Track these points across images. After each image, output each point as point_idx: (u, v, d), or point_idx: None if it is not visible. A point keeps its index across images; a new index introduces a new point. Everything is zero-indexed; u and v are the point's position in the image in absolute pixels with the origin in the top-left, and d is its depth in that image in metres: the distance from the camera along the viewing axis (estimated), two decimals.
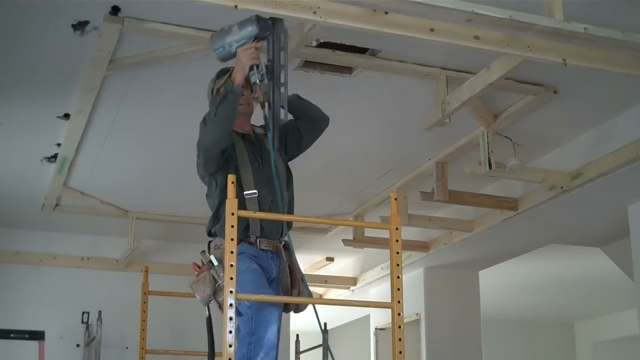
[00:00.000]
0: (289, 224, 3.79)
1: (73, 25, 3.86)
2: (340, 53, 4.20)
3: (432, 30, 3.34)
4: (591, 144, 5.28)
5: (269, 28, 3.44)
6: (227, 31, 3.46)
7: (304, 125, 3.85)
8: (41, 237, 7.26)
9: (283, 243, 3.73)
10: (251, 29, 3.41)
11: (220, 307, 3.55)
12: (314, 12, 3.17)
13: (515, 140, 5.24)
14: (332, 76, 4.52)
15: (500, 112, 4.95)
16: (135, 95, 4.67)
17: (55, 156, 5.52)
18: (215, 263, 3.56)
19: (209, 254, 3.63)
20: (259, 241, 3.61)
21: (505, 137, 5.20)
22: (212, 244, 3.68)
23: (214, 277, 3.57)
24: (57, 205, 6.52)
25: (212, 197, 3.70)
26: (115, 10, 3.74)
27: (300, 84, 4.54)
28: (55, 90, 4.58)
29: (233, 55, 3.48)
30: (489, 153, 4.97)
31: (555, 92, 4.67)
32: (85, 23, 3.85)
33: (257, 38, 3.43)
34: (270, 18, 3.42)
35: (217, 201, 3.65)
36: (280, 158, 3.78)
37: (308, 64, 4.37)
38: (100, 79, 4.32)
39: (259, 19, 3.40)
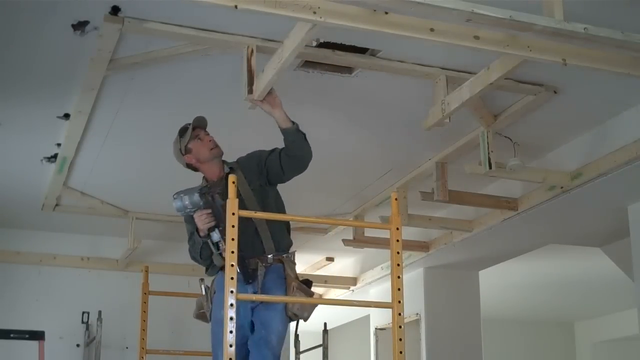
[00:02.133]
0: (269, 249, 3.93)
1: (73, 25, 3.85)
2: (340, 53, 4.20)
3: (432, 30, 3.34)
4: (591, 144, 5.28)
5: (208, 201, 3.87)
6: (181, 198, 3.91)
7: (287, 162, 3.99)
8: (41, 237, 7.26)
9: (276, 258, 3.89)
10: (196, 198, 3.87)
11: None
12: (314, 12, 3.16)
13: (515, 140, 5.24)
14: (332, 76, 4.51)
15: (500, 112, 4.95)
16: (135, 95, 4.67)
17: (55, 156, 5.52)
18: (203, 293, 4.03)
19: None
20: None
21: (505, 137, 5.21)
22: None
23: (202, 303, 4.06)
24: (57, 205, 6.51)
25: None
26: (115, 10, 3.73)
27: (300, 84, 4.55)
28: (55, 90, 4.58)
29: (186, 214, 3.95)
30: (489, 153, 4.97)
31: (555, 92, 4.67)
32: (85, 23, 3.84)
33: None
34: (209, 192, 3.89)
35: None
36: (248, 189, 3.96)
37: (308, 64, 4.36)
38: (100, 79, 4.31)
39: (200, 191, 3.88)
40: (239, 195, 3.66)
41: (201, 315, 4.06)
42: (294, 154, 3.97)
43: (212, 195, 3.88)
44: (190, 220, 3.97)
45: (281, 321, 3.86)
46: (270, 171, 4.00)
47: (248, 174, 3.99)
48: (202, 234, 3.89)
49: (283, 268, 3.90)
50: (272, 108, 3.96)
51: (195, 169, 4.08)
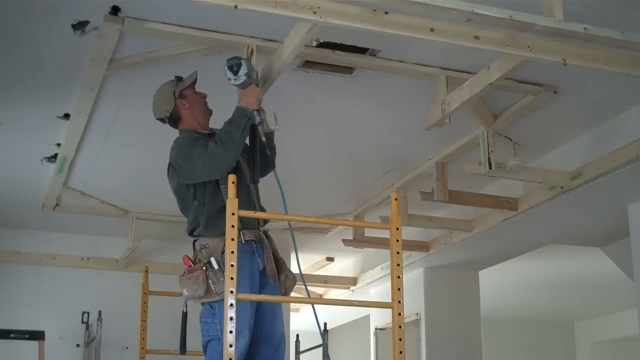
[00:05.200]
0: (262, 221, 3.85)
1: (73, 25, 3.86)
2: (340, 53, 4.20)
3: (432, 30, 3.34)
4: (591, 144, 5.28)
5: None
6: (253, 68, 3.78)
7: (264, 165, 3.90)
8: (41, 237, 7.26)
9: (263, 231, 3.82)
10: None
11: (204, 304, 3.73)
12: (314, 12, 3.17)
13: (515, 140, 5.24)
14: (332, 76, 4.52)
15: (500, 112, 4.95)
16: (135, 95, 4.67)
17: (55, 156, 5.52)
18: (216, 267, 3.63)
19: (204, 254, 3.70)
20: (243, 233, 3.64)
21: (505, 137, 5.21)
22: (197, 243, 3.78)
23: (207, 279, 3.64)
24: (57, 205, 6.51)
25: (189, 202, 3.83)
26: (115, 10, 3.73)
27: (300, 84, 4.56)
28: (55, 90, 4.58)
29: (246, 85, 3.74)
30: (489, 153, 4.97)
31: (555, 92, 4.67)
32: (85, 23, 3.84)
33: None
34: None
35: (197, 204, 3.77)
36: (243, 157, 3.85)
37: (308, 64, 4.36)
38: (100, 79, 4.32)
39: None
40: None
41: (207, 294, 3.65)
42: (272, 161, 3.95)
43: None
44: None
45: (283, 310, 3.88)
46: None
47: None
48: (258, 105, 3.73)
49: (270, 243, 3.84)
50: (260, 112, 3.84)
51: (176, 120, 3.92)
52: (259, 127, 3.74)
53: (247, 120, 3.65)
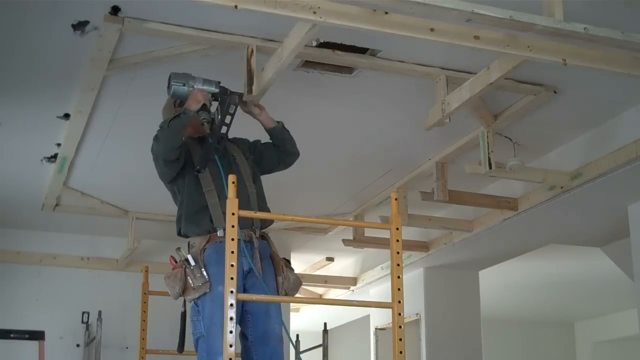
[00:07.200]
0: (257, 221, 3.84)
1: (73, 25, 3.86)
2: (340, 53, 4.20)
3: (432, 30, 3.34)
4: (591, 144, 5.28)
5: (225, 94, 3.86)
6: (192, 76, 3.83)
7: (281, 157, 4.06)
8: (41, 237, 7.26)
9: (260, 234, 3.81)
10: (213, 87, 3.83)
11: (190, 302, 3.76)
12: (314, 12, 3.17)
13: (515, 140, 5.24)
14: (332, 76, 4.52)
15: (500, 112, 4.95)
16: (135, 95, 4.67)
17: (55, 156, 5.52)
18: (192, 263, 3.69)
19: (187, 253, 3.75)
20: None
21: (505, 137, 5.21)
22: (189, 242, 3.85)
23: (185, 276, 3.70)
24: (57, 205, 6.51)
25: (178, 202, 3.93)
26: (115, 10, 3.73)
27: (300, 84, 4.55)
28: (55, 90, 4.58)
29: (185, 97, 3.80)
30: (489, 153, 4.97)
31: (555, 92, 4.67)
32: (85, 23, 3.84)
33: (212, 96, 3.85)
34: (228, 90, 3.86)
35: (179, 204, 3.89)
36: (243, 158, 3.94)
37: (308, 64, 4.36)
38: (100, 79, 4.32)
39: (221, 86, 3.85)
40: (233, 161, 3.80)
41: (188, 291, 3.69)
42: (291, 151, 4.06)
43: (230, 91, 3.90)
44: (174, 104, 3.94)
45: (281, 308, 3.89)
46: (264, 158, 4.02)
47: (241, 146, 4.04)
48: (198, 104, 3.77)
49: (268, 244, 3.84)
50: (260, 110, 4.02)
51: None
52: (205, 123, 3.82)
53: (174, 117, 3.73)
